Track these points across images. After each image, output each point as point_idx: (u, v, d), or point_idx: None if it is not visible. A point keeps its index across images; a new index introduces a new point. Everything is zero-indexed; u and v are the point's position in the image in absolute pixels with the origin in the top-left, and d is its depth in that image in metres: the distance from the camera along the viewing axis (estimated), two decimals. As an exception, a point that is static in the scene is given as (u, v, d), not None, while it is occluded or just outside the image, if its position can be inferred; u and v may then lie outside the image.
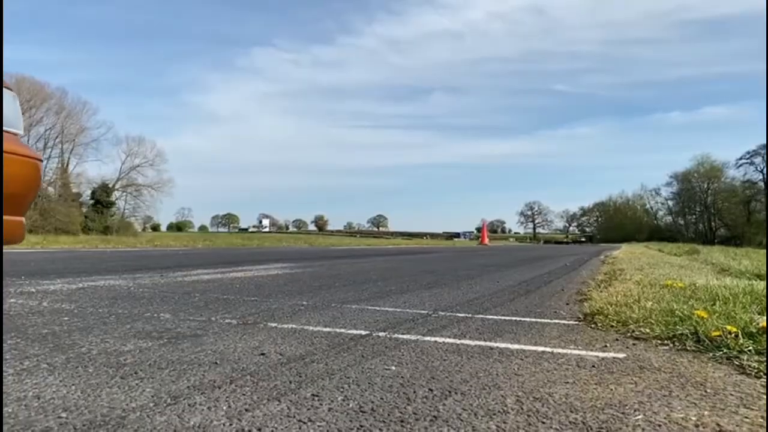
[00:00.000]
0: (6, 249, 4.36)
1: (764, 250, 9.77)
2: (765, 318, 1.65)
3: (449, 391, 1.09)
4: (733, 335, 1.51)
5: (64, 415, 0.89)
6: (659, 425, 0.92)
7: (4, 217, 1.81)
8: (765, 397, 1.09)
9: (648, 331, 1.73)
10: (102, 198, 28.90)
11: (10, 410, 0.90)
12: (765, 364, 1.32)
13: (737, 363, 1.35)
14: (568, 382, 1.18)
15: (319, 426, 0.88)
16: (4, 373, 1.11)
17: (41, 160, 2.04)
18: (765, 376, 1.24)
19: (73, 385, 1.05)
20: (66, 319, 1.74)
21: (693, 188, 65.59)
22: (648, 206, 73.62)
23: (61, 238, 15.27)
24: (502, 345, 1.56)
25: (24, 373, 1.12)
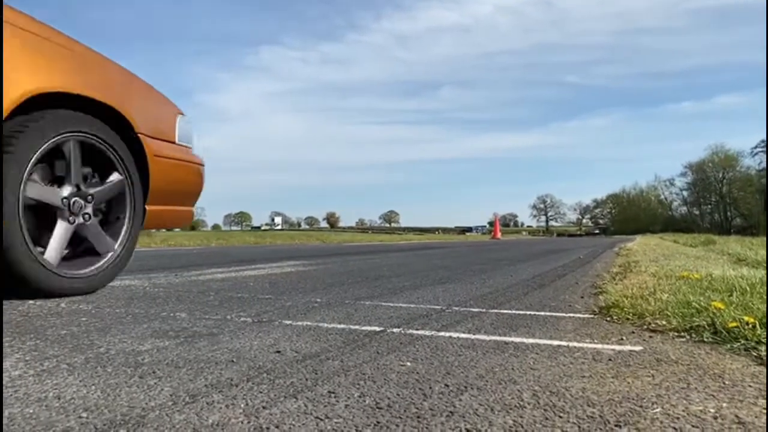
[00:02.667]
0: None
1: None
2: None
3: (465, 387, 1.09)
4: (750, 326, 1.49)
5: (84, 414, 0.90)
6: (677, 418, 0.91)
7: (182, 208, 2.89)
8: None
9: (664, 323, 1.72)
10: (116, 199, 29.13)
11: (31, 411, 0.91)
12: (766, 354, 1.31)
13: (755, 354, 1.34)
14: (584, 376, 1.17)
15: (336, 422, 0.88)
16: (25, 374, 1.13)
17: (203, 165, 2.95)
18: (766, 367, 1.23)
19: (92, 385, 1.07)
20: (84, 319, 1.76)
21: (708, 178, 64.88)
22: (662, 197, 72.94)
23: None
24: (517, 339, 1.56)
25: (44, 374, 1.14)
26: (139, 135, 2.48)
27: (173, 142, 2.73)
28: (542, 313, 2.02)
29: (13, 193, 2.00)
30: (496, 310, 2.08)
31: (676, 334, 1.62)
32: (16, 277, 2.06)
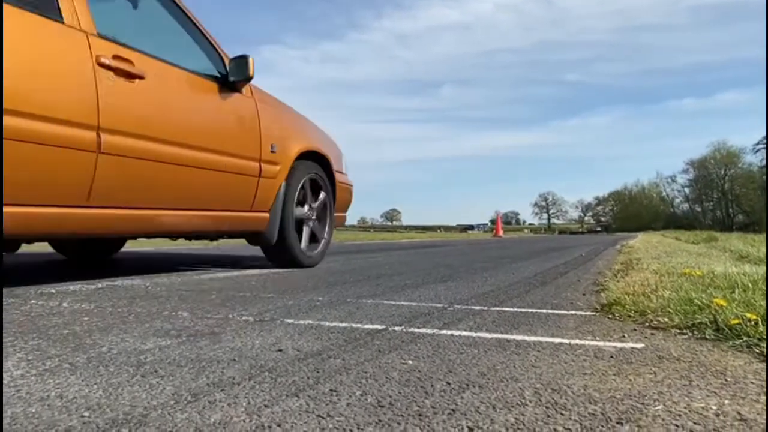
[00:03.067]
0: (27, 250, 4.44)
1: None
2: None
3: (467, 385, 1.09)
4: (752, 323, 1.49)
5: (86, 414, 0.90)
6: (679, 415, 0.91)
7: (344, 214, 4.56)
8: None
9: (666, 320, 1.71)
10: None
11: (33, 410, 0.91)
12: (766, 351, 1.30)
13: (757, 351, 1.34)
14: (586, 374, 1.17)
15: (337, 421, 0.89)
16: (27, 374, 1.13)
17: (353, 185, 4.60)
18: (766, 363, 1.23)
19: (95, 384, 1.07)
20: (86, 318, 1.76)
21: (710, 175, 64.74)
22: (664, 194, 72.78)
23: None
24: (519, 337, 1.56)
25: (46, 373, 1.14)
26: (334, 171, 4.10)
27: (342, 173, 4.32)
28: (544, 311, 2.02)
29: (290, 211, 3.56)
30: (497, 308, 2.08)
31: (678, 331, 1.61)
32: (289, 256, 3.66)
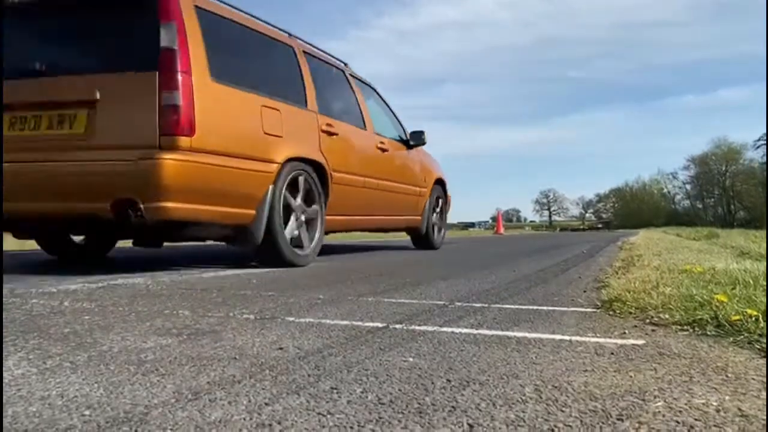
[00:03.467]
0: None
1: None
2: None
3: (467, 382, 1.09)
4: (753, 319, 1.49)
5: (87, 412, 0.90)
6: (680, 411, 0.91)
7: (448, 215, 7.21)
8: None
9: (667, 317, 1.71)
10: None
11: (34, 409, 0.92)
12: (766, 347, 1.30)
13: (758, 347, 1.34)
14: (586, 370, 1.17)
15: (338, 418, 0.89)
16: (28, 373, 1.13)
17: (450, 196, 7.04)
18: (766, 359, 1.23)
19: (95, 382, 1.07)
20: (87, 317, 1.77)
21: (711, 171, 64.60)
22: (665, 190, 72.63)
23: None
24: (520, 334, 1.56)
25: (47, 372, 1.14)
26: (447, 190, 6.60)
27: (447, 189, 6.64)
28: (545, 308, 2.02)
29: (430, 215, 6.13)
30: (498, 305, 2.08)
31: (678, 327, 1.61)
32: (429, 244, 6.25)
